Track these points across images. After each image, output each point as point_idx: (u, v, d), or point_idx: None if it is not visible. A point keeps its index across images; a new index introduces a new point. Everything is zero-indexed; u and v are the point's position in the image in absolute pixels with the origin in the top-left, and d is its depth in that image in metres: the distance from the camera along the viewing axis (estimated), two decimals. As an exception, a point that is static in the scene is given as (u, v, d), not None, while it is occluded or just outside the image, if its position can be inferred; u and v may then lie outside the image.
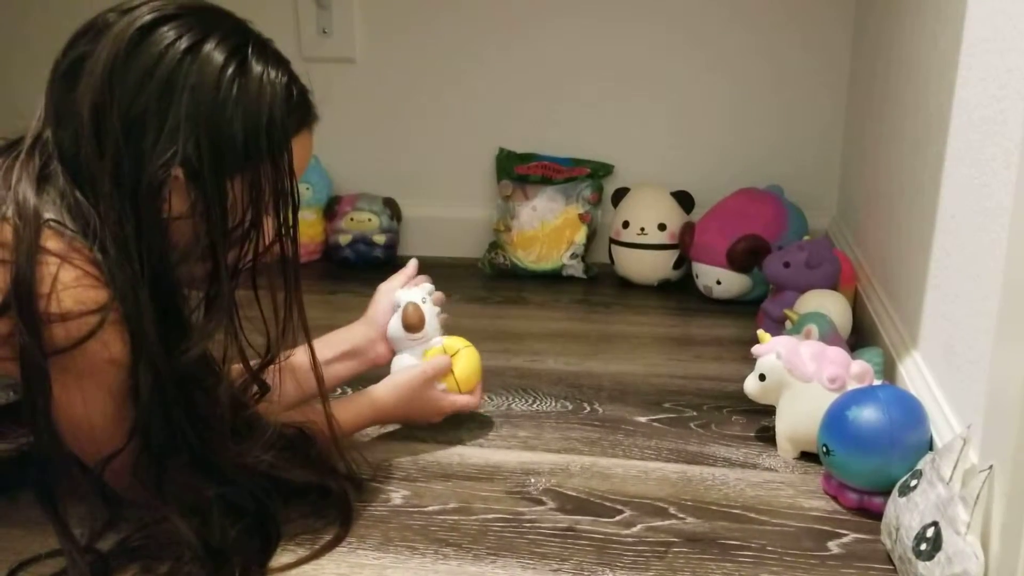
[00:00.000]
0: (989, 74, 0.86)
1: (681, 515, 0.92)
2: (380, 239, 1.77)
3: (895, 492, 0.84)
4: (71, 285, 0.74)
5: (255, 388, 0.89)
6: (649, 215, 1.63)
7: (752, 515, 0.92)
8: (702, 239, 1.56)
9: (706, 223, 1.58)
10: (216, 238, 0.80)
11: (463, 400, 1.07)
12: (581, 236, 1.71)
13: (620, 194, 1.70)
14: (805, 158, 1.72)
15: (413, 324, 1.06)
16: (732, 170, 1.71)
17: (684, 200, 1.66)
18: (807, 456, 1.03)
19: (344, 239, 1.77)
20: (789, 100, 1.71)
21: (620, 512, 0.93)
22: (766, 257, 1.41)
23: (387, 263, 1.77)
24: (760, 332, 1.06)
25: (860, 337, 1.28)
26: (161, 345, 0.78)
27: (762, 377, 1.03)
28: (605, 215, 1.75)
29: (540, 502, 0.95)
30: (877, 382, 1.02)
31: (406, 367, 1.06)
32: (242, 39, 0.81)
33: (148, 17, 0.77)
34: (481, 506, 0.94)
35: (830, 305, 1.22)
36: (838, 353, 1.02)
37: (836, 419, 0.93)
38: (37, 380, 0.75)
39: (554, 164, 1.77)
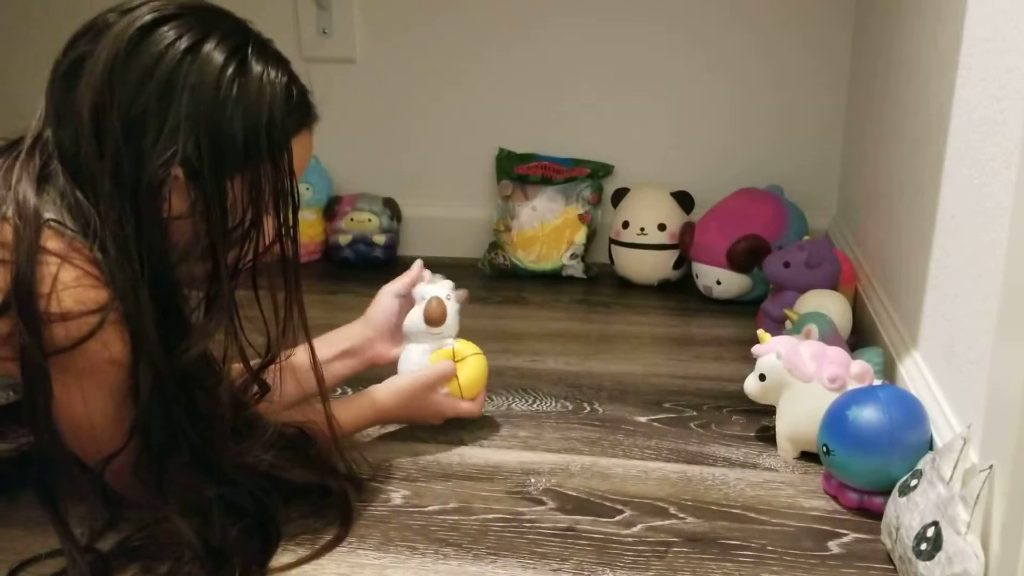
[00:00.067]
0: (989, 74, 0.86)
1: (681, 515, 0.92)
2: (380, 239, 1.77)
3: (895, 492, 0.84)
4: (71, 285, 0.74)
5: (255, 388, 0.89)
6: (649, 215, 1.63)
7: (752, 515, 0.92)
8: (702, 239, 1.56)
9: (706, 223, 1.58)
10: (216, 238, 0.80)
11: (464, 407, 1.07)
12: (581, 236, 1.71)
13: (620, 194, 1.70)
14: (805, 158, 1.72)
15: (436, 318, 1.06)
16: (732, 170, 1.71)
17: (684, 200, 1.66)
18: (807, 456, 1.03)
19: (344, 239, 1.77)
20: (789, 100, 1.71)
21: (620, 512, 0.93)
22: (766, 257, 1.41)
23: (387, 263, 1.77)
24: (760, 332, 1.06)
25: (860, 337, 1.28)
26: (161, 345, 0.78)
27: (762, 377, 1.03)
28: (605, 215, 1.75)
29: (540, 502, 0.95)
30: (877, 382, 1.02)
31: (409, 371, 1.06)
32: (242, 39, 0.81)
33: (148, 17, 0.77)
34: (481, 506, 0.94)
35: (830, 305, 1.22)
36: (838, 353, 1.02)
37: (836, 419, 0.93)
38: (37, 380, 0.75)
39: (554, 164, 1.77)
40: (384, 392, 1.03)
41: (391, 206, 1.81)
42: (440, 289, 1.09)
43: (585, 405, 1.18)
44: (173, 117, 0.76)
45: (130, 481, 0.81)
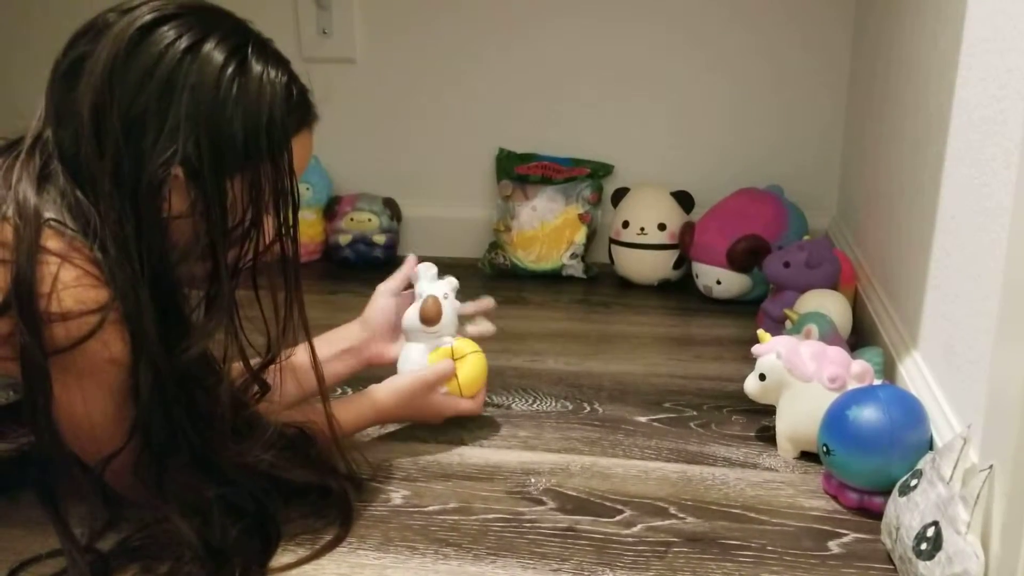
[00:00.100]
0: (989, 74, 0.86)
1: (681, 515, 0.92)
2: (380, 239, 1.77)
3: (895, 492, 0.84)
4: (71, 285, 0.74)
5: (255, 387, 0.89)
6: (649, 215, 1.63)
7: (752, 515, 0.92)
8: (702, 239, 1.56)
9: (706, 223, 1.58)
10: (216, 237, 0.80)
11: (464, 405, 1.07)
12: (581, 236, 1.71)
13: (620, 194, 1.70)
14: (805, 158, 1.72)
15: (430, 317, 1.05)
16: (732, 170, 1.71)
17: (684, 200, 1.66)
18: (807, 456, 1.03)
19: (344, 239, 1.77)
20: (789, 100, 1.71)
21: (620, 512, 0.93)
22: (766, 257, 1.41)
23: (387, 263, 1.76)
24: (760, 332, 1.06)
25: (860, 337, 1.28)
26: (161, 344, 0.78)
27: (762, 377, 1.03)
28: (605, 215, 1.75)
29: (540, 502, 0.95)
30: (877, 382, 1.02)
31: (409, 370, 1.06)
32: (242, 39, 0.81)
33: (148, 17, 0.77)
34: (481, 506, 0.94)
35: (830, 305, 1.22)
36: (838, 353, 1.02)
37: (836, 419, 0.93)
38: (38, 379, 0.75)
39: (554, 164, 1.77)
40: (384, 392, 1.03)
41: (391, 206, 1.81)
42: (438, 288, 1.09)
43: (585, 405, 1.18)
44: (173, 117, 0.76)
45: (130, 481, 0.81)
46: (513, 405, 1.18)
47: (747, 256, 1.49)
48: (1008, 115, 0.80)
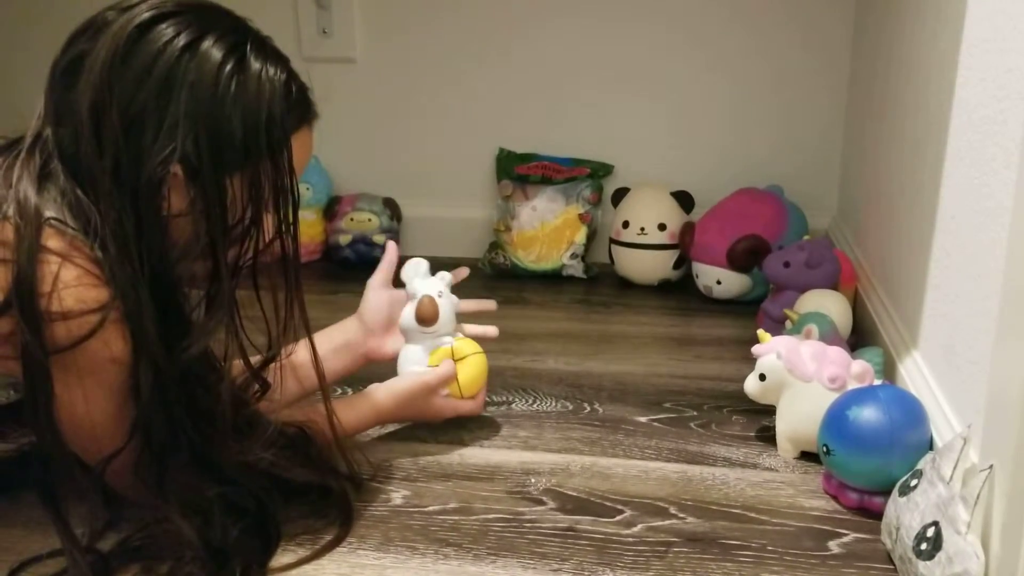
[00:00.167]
0: (989, 74, 0.86)
1: (681, 515, 0.92)
2: (380, 239, 1.77)
3: (895, 492, 0.84)
4: (72, 284, 0.74)
5: (256, 386, 0.89)
6: (649, 215, 1.63)
7: (752, 515, 0.92)
8: (702, 239, 1.56)
9: (706, 223, 1.58)
10: (216, 235, 0.80)
11: (464, 407, 1.07)
12: (581, 236, 1.71)
13: (620, 194, 1.70)
14: (805, 158, 1.72)
15: (427, 317, 1.05)
16: (732, 170, 1.71)
17: (684, 200, 1.66)
18: (807, 456, 1.03)
19: (344, 239, 1.77)
20: (789, 100, 1.71)
21: (620, 512, 0.93)
22: (766, 257, 1.41)
23: (387, 263, 1.77)
24: (760, 332, 1.06)
25: (860, 337, 1.28)
26: (162, 343, 0.78)
27: (762, 377, 1.03)
28: (605, 215, 1.75)
29: (540, 502, 0.95)
30: (877, 382, 1.02)
31: (410, 371, 1.06)
32: (241, 36, 0.81)
33: (147, 15, 0.77)
34: (481, 506, 0.94)
35: (830, 305, 1.22)
36: (838, 353, 1.02)
37: (836, 419, 0.93)
38: (39, 379, 0.75)
39: (554, 164, 1.77)
40: (384, 394, 1.03)
41: (391, 206, 1.81)
42: (432, 286, 1.08)
43: (585, 405, 1.18)
44: (172, 115, 0.76)
45: (131, 480, 0.81)
46: (513, 405, 1.18)
47: (747, 256, 1.49)
48: (1008, 115, 0.80)
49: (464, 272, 1.16)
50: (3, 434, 0.98)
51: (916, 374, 1.04)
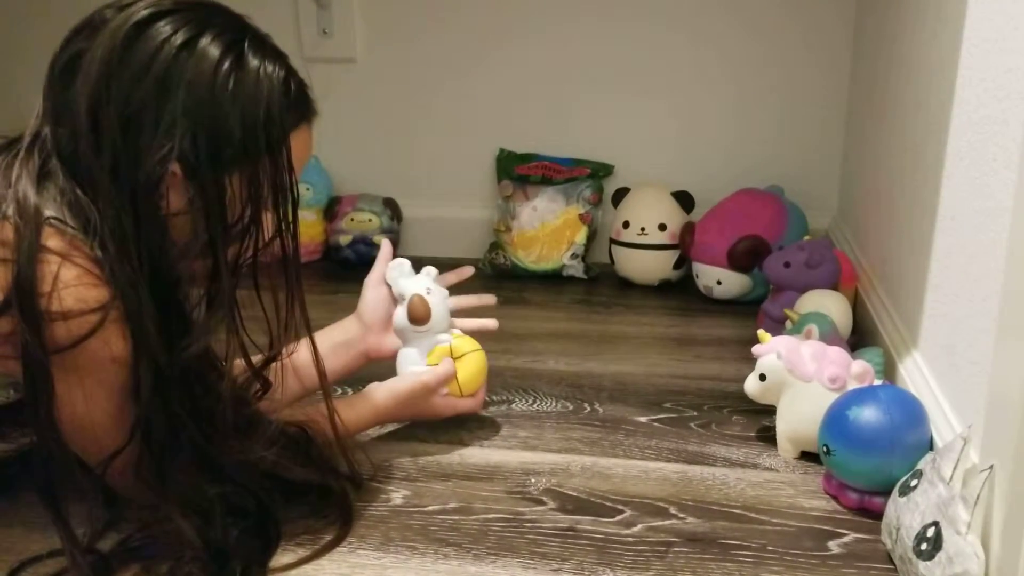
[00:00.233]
0: (989, 74, 0.86)
1: (681, 515, 0.92)
2: (380, 239, 1.76)
3: (895, 492, 0.84)
4: (72, 283, 0.74)
5: (257, 386, 0.89)
6: (649, 215, 1.63)
7: (752, 515, 0.92)
8: (702, 239, 1.56)
9: (706, 223, 1.58)
10: (215, 234, 0.80)
11: (464, 405, 1.07)
12: (581, 236, 1.71)
13: (620, 194, 1.70)
14: (805, 158, 1.72)
15: (419, 316, 1.05)
16: (732, 170, 1.71)
17: (684, 200, 1.66)
18: (807, 456, 1.03)
19: (344, 239, 1.77)
20: (789, 100, 1.71)
21: (620, 512, 0.93)
22: (766, 257, 1.41)
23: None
24: (760, 332, 1.06)
25: (860, 337, 1.28)
26: (162, 342, 0.78)
27: (762, 377, 1.03)
28: (605, 215, 1.75)
29: (540, 502, 0.95)
30: (877, 382, 1.02)
31: (410, 371, 1.06)
32: (239, 34, 0.80)
33: (144, 13, 0.77)
34: (481, 506, 0.94)
35: (830, 305, 1.22)
36: (838, 353, 1.02)
37: (837, 419, 0.93)
38: (39, 378, 0.75)
39: (554, 164, 1.77)
40: (384, 394, 1.03)
41: (391, 206, 1.82)
42: (419, 284, 1.07)
43: (585, 405, 1.18)
44: (169, 113, 0.76)
45: (132, 480, 0.81)
46: (513, 405, 1.18)
47: (747, 256, 1.49)
48: (1009, 115, 0.80)
49: (468, 271, 1.16)
50: (3, 434, 0.98)
51: (916, 374, 1.04)
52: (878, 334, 1.22)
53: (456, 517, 0.92)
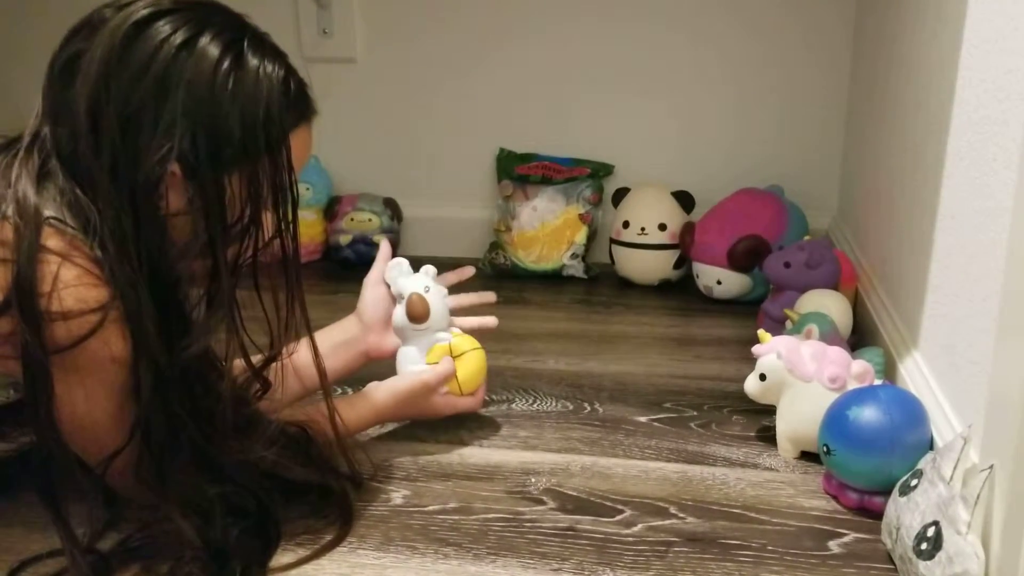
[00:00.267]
0: (989, 74, 0.86)
1: (681, 515, 0.92)
2: (380, 239, 1.77)
3: (895, 492, 0.84)
4: (72, 283, 0.74)
5: (257, 385, 0.89)
6: (649, 215, 1.63)
7: (752, 515, 0.92)
8: (702, 239, 1.56)
9: (706, 223, 1.58)
10: (215, 234, 0.79)
11: (463, 404, 1.07)
12: (581, 236, 1.71)
13: (620, 194, 1.70)
14: (805, 158, 1.72)
15: (418, 315, 1.05)
16: (732, 170, 1.71)
17: (684, 200, 1.66)
18: (807, 456, 1.03)
19: (344, 239, 1.77)
20: (789, 100, 1.71)
21: (620, 512, 0.93)
22: (766, 257, 1.41)
23: (387, 263, 1.77)
24: (760, 332, 1.06)
25: (860, 337, 1.28)
26: (162, 342, 0.78)
27: (763, 377, 1.03)
28: (605, 215, 1.75)
29: (540, 502, 0.95)
30: (877, 382, 1.02)
31: (409, 370, 1.06)
32: (238, 33, 0.80)
33: (143, 12, 0.77)
34: (481, 506, 0.94)
35: (830, 305, 1.22)
36: (839, 353, 1.02)
37: (837, 419, 0.93)
38: (39, 378, 0.75)
39: (554, 164, 1.77)
40: (384, 394, 1.03)
41: (391, 206, 1.81)
42: (417, 282, 1.07)
43: (585, 405, 1.18)
44: (169, 113, 0.76)
45: (132, 480, 0.81)
46: (513, 405, 1.18)
47: (747, 256, 1.49)
48: (1009, 115, 0.80)
49: (469, 271, 1.16)
50: (3, 434, 0.98)
51: (916, 374, 1.04)
52: (878, 334, 1.22)
53: (456, 517, 0.92)
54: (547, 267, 1.72)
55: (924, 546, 0.75)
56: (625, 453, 1.05)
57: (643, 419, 1.14)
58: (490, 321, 1.15)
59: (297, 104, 0.85)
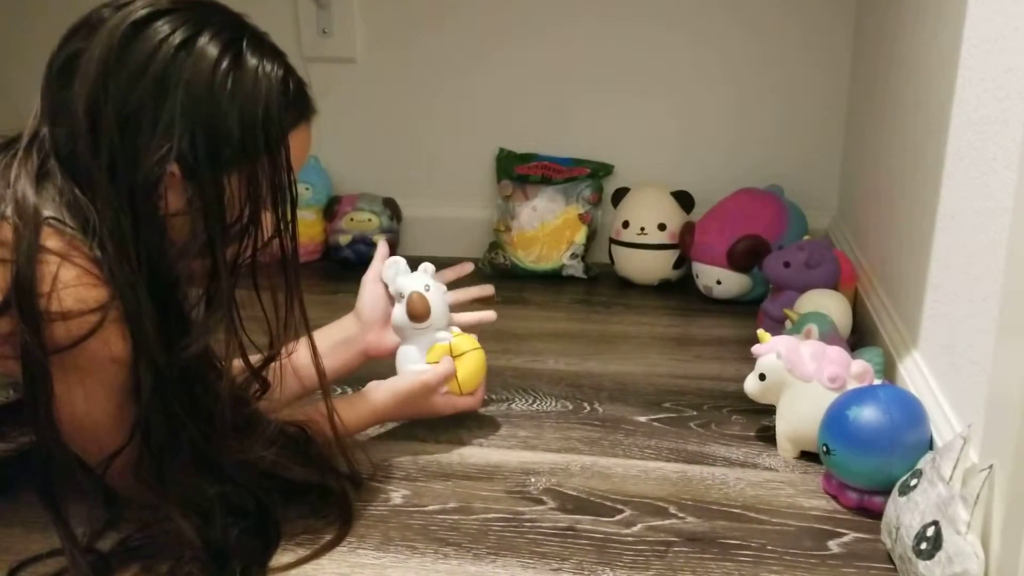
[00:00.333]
0: (989, 74, 0.86)
1: (681, 514, 0.92)
2: (380, 239, 1.77)
3: (895, 491, 0.84)
4: (72, 284, 0.74)
5: (256, 385, 0.89)
6: (649, 215, 1.63)
7: (752, 514, 0.92)
8: (702, 239, 1.56)
9: (706, 223, 1.58)
10: (214, 234, 0.79)
11: (463, 403, 1.07)
12: (581, 236, 1.71)
13: (620, 194, 1.70)
14: (805, 158, 1.72)
15: (419, 313, 1.05)
16: (732, 170, 1.71)
17: (684, 200, 1.66)
18: (807, 456, 1.03)
19: (344, 239, 1.77)
20: (789, 100, 1.71)
21: (620, 511, 0.93)
22: (766, 257, 1.41)
23: (387, 263, 1.77)
24: (760, 332, 1.06)
25: (860, 337, 1.28)
26: (161, 342, 0.78)
27: (762, 377, 1.03)
28: (605, 215, 1.75)
29: (540, 501, 0.95)
30: (877, 382, 1.02)
31: (409, 370, 1.06)
32: (237, 32, 0.80)
33: (142, 12, 0.77)
34: (481, 506, 0.94)
35: (830, 305, 1.22)
36: (838, 353, 1.02)
37: (836, 418, 0.93)
38: (39, 378, 0.75)
39: (554, 164, 1.77)
40: (383, 394, 1.03)
41: (391, 206, 1.81)
42: (416, 281, 1.07)
43: (585, 405, 1.18)
44: (168, 113, 0.76)
45: (132, 480, 0.81)
46: (513, 405, 1.18)
47: (747, 256, 1.49)
48: (1009, 115, 0.80)
49: (467, 267, 1.16)
50: (3, 434, 0.98)
51: (916, 374, 1.04)
52: (878, 334, 1.22)
53: (456, 517, 0.92)
54: (547, 267, 1.72)
55: (924, 546, 0.75)
56: (625, 453, 1.05)
57: (643, 419, 1.14)
58: (489, 315, 1.15)
59: (296, 104, 0.85)
